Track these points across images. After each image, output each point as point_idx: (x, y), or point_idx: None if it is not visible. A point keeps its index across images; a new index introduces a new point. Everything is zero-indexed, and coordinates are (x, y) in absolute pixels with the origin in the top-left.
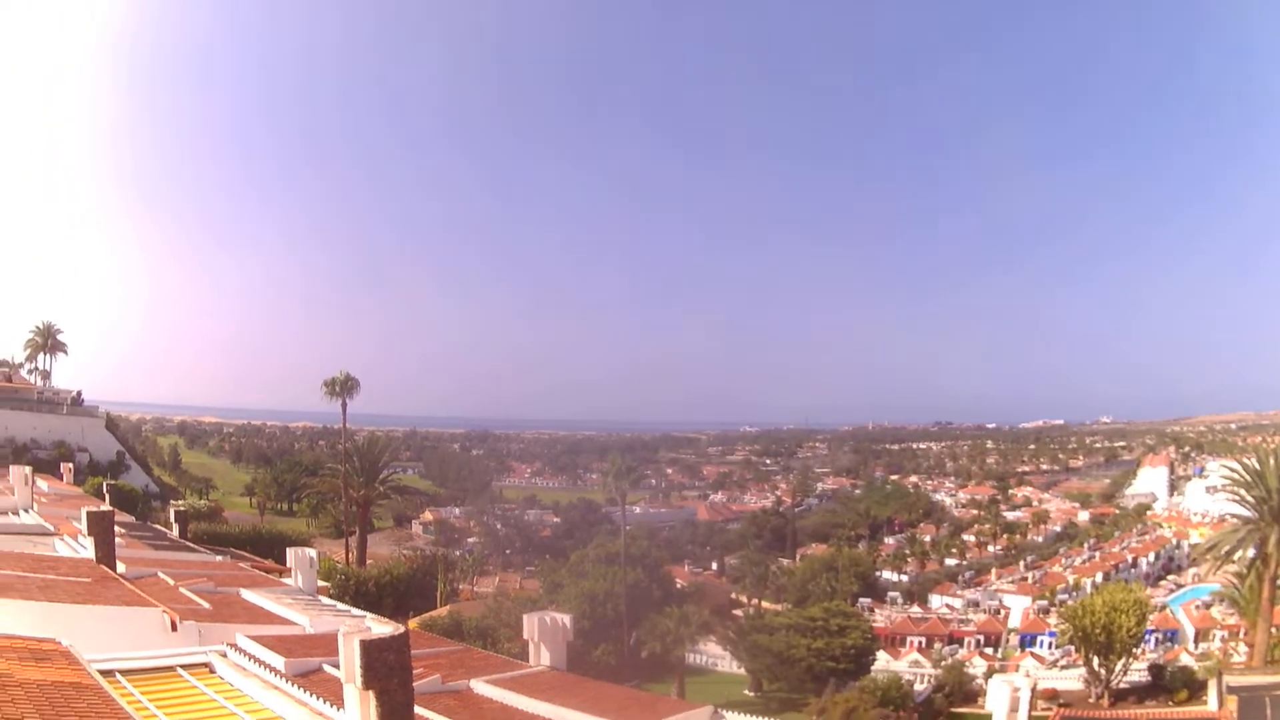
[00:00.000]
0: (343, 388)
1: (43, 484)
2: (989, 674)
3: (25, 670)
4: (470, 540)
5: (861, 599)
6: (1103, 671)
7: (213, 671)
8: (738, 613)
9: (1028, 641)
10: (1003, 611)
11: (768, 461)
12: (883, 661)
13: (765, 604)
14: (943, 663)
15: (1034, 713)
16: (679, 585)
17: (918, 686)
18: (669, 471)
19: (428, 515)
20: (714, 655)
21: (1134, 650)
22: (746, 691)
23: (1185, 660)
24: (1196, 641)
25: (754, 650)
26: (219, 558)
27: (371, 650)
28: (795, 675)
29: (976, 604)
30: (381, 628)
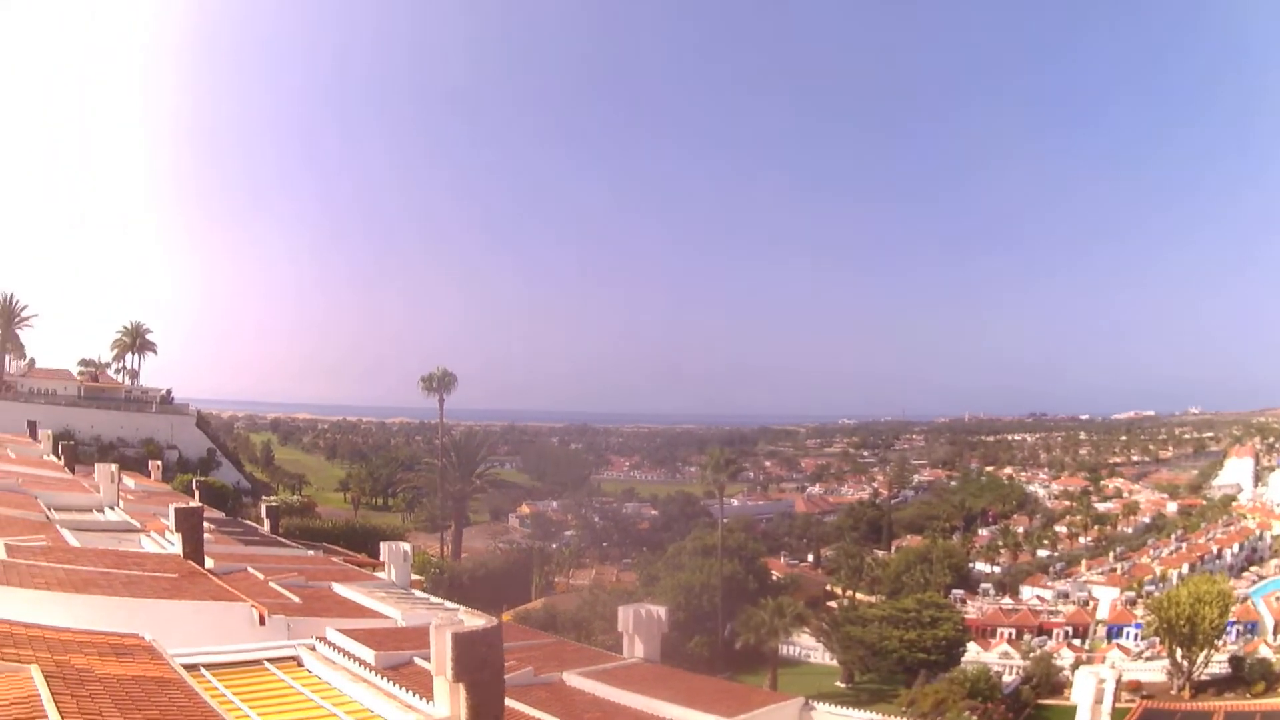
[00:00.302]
0: (440, 383)
1: (129, 481)
2: (1076, 666)
3: (105, 665)
4: (567, 533)
5: (954, 590)
6: (1185, 663)
7: (300, 665)
8: (832, 604)
9: (1114, 633)
10: (1091, 603)
11: (865, 454)
12: (973, 653)
13: (860, 596)
14: (1031, 654)
15: (1117, 705)
16: (775, 577)
17: (1006, 678)
18: (767, 464)
19: (525, 509)
20: (807, 647)
21: (1215, 642)
22: (838, 683)
23: (1264, 652)
24: (1276, 633)
25: (846, 642)
26: (311, 552)
27: (463, 643)
28: (887, 667)
29: (1066, 595)
30: (474, 620)
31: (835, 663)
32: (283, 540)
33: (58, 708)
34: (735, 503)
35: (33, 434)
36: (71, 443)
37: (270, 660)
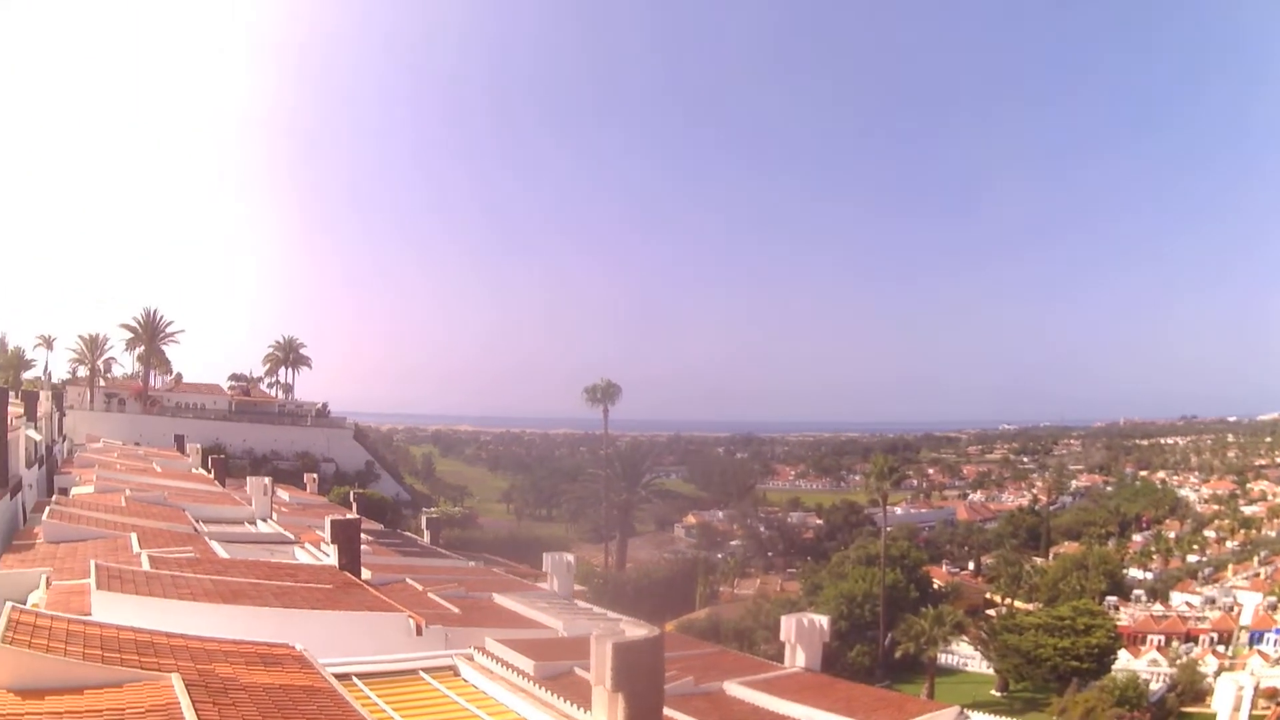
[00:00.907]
0: (604, 394)
1: (283, 494)
2: (1218, 673)
3: (252, 674)
4: (732, 543)
5: (1108, 597)
6: None
7: (457, 675)
8: (991, 613)
9: (1256, 639)
10: (1236, 608)
11: (1025, 460)
12: (1123, 660)
13: (1018, 603)
14: (1178, 661)
15: (1254, 711)
16: (936, 586)
17: (1153, 685)
18: (930, 471)
19: (690, 519)
20: (964, 655)
21: None
22: (993, 692)
23: None
24: None
25: (1003, 650)
26: (472, 563)
27: (623, 653)
28: (1041, 675)
29: (1213, 601)
30: (636, 630)
31: (992, 671)
32: (443, 551)
33: (197, 715)
34: (899, 511)
35: (180, 448)
36: (222, 456)
37: (426, 670)
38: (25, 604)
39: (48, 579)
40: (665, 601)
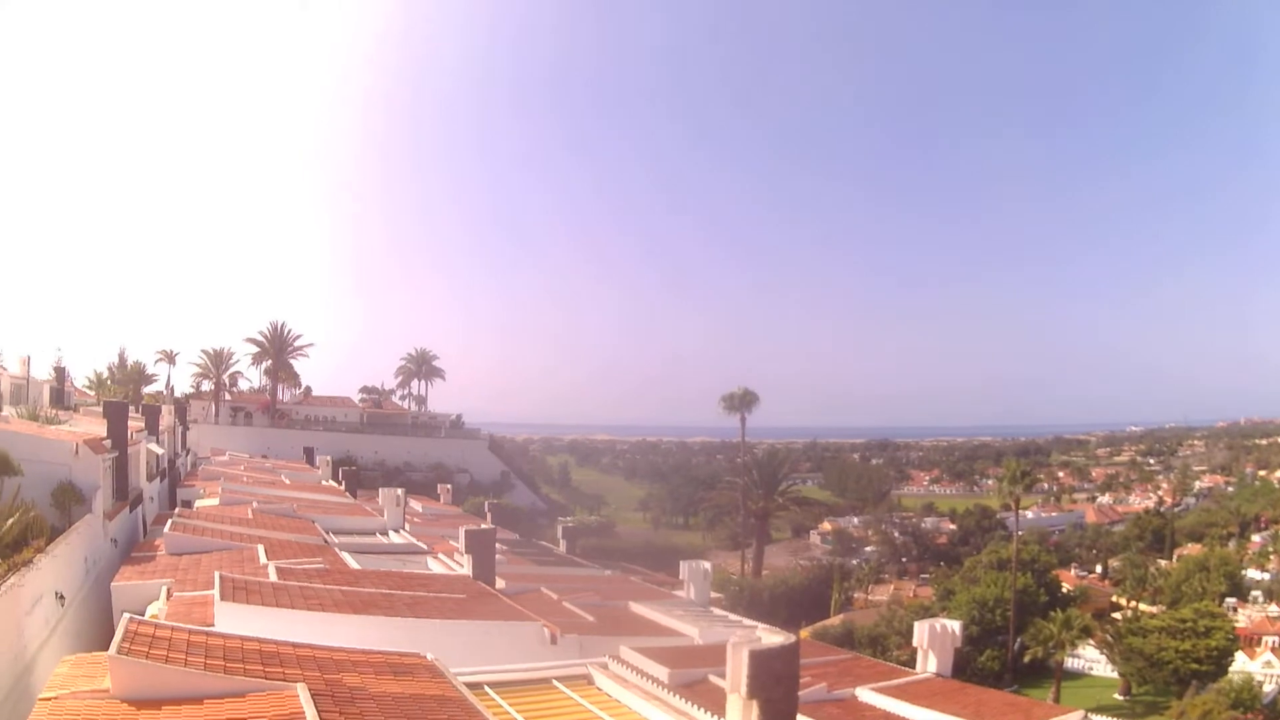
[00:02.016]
0: (741, 402)
1: (416, 505)
2: None
3: (381, 684)
4: (867, 549)
5: (1228, 599)
6: None
7: (591, 683)
8: (1116, 616)
9: None
10: None
11: (1151, 461)
12: (1240, 662)
13: (1142, 606)
14: None
15: None
16: (1065, 589)
17: (1266, 687)
18: (1060, 475)
19: (826, 525)
20: (1090, 660)
21: None
22: (1116, 695)
23: None
24: None
25: (1127, 653)
26: (608, 572)
27: (759, 660)
28: (1162, 678)
29: None
30: (772, 637)
31: (1116, 675)
32: (579, 560)
33: None
34: (1029, 515)
35: (310, 460)
36: (353, 468)
37: (560, 679)
38: (144, 615)
39: (168, 590)
40: (800, 608)
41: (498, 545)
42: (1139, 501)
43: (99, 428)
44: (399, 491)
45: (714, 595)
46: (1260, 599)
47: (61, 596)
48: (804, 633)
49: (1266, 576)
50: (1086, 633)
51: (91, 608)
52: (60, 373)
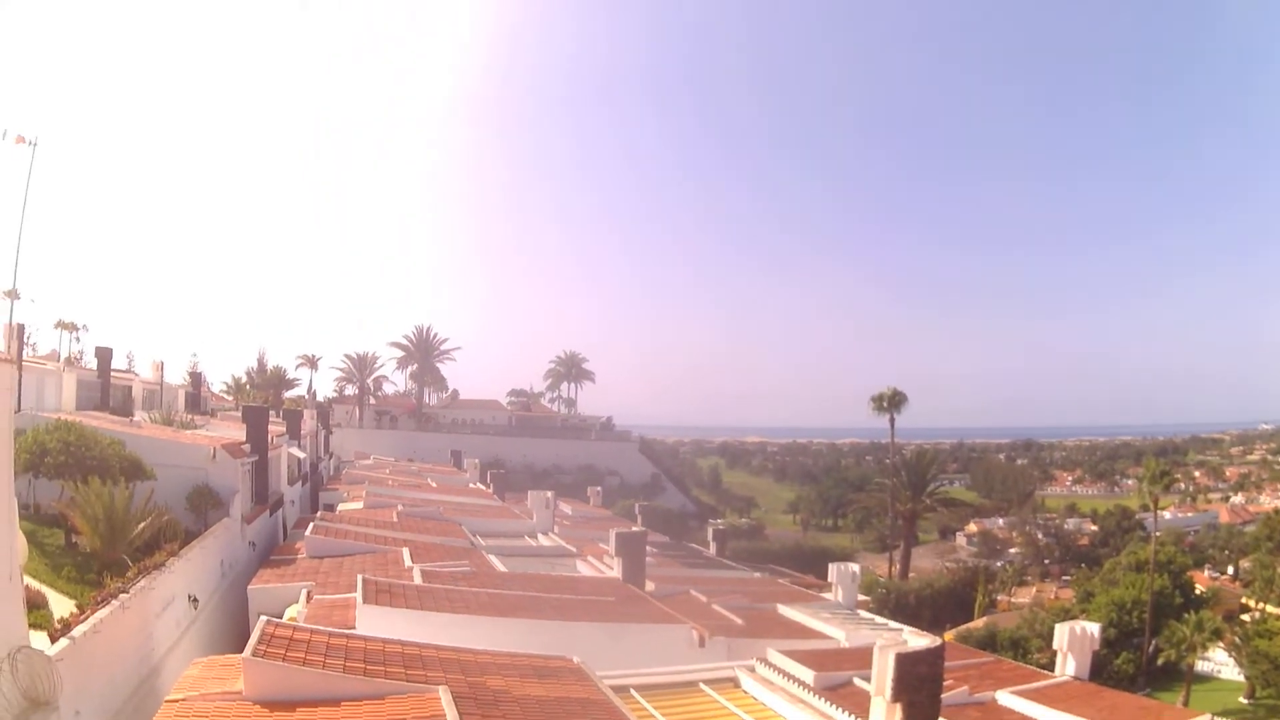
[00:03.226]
0: (890, 403)
1: (566, 508)
2: None
3: (525, 686)
4: (1011, 551)
5: None
6: None
7: (738, 686)
8: (1245, 618)
9: None
10: None
11: None
12: None
13: (1270, 608)
14: None
15: None
16: (1198, 591)
17: None
18: (1196, 474)
19: (972, 527)
20: (1219, 662)
21: None
22: (1241, 699)
23: None
24: None
25: (1254, 656)
26: (757, 574)
27: (905, 663)
28: None
29: None
30: (918, 640)
31: (1243, 678)
32: (728, 563)
33: None
34: (1167, 515)
35: (457, 463)
36: (501, 470)
37: (706, 681)
38: (282, 618)
39: (308, 593)
40: (945, 611)
41: (648, 548)
42: (1270, 501)
43: (238, 432)
44: (548, 494)
45: (861, 598)
46: None
47: (195, 599)
48: (948, 635)
49: None
50: (1217, 635)
51: (227, 611)
52: (196, 377)
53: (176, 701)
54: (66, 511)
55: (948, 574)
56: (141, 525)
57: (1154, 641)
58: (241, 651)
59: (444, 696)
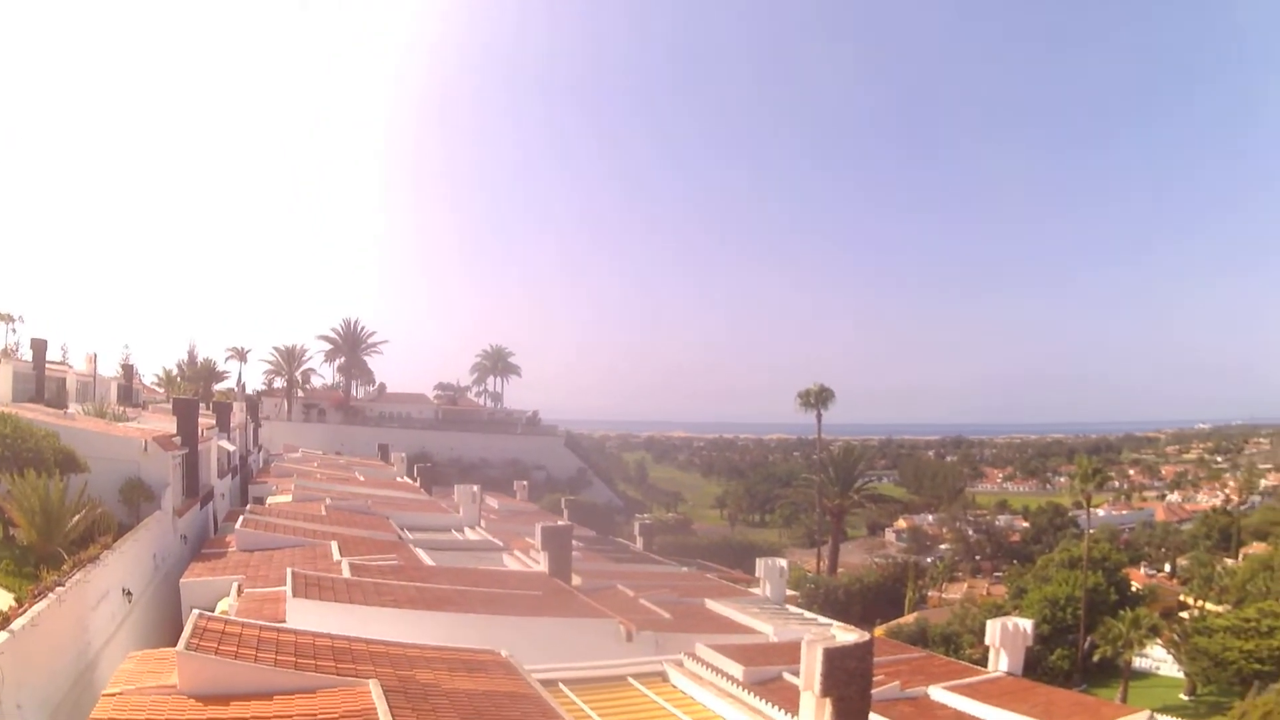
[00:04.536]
0: (817, 399)
1: (492, 502)
2: None
3: (455, 680)
4: (942, 547)
5: None
6: None
7: (666, 680)
8: (1184, 615)
9: None
10: None
11: (1219, 459)
12: None
13: (1209, 605)
14: None
15: None
16: (1134, 588)
17: None
18: (1131, 472)
19: (901, 523)
20: (1157, 659)
21: None
22: (1182, 695)
23: None
24: None
25: (1193, 653)
26: (684, 569)
27: (834, 658)
28: (1226, 678)
29: None
30: (846, 635)
31: (1183, 675)
32: (655, 557)
33: None
34: (1101, 513)
35: (384, 456)
36: (428, 464)
37: (635, 676)
38: (214, 611)
39: (239, 586)
40: (875, 606)
41: (574, 542)
42: (1207, 500)
43: (169, 425)
44: (475, 488)
45: (789, 593)
46: None
47: (129, 593)
48: (878, 631)
49: None
50: (1155, 632)
51: (160, 604)
52: (128, 370)
53: (114, 695)
54: (3, 504)
55: (877, 569)
56: (76, 518)
57: (1089, 638)
58: (175, 645)
59: (374, 690)
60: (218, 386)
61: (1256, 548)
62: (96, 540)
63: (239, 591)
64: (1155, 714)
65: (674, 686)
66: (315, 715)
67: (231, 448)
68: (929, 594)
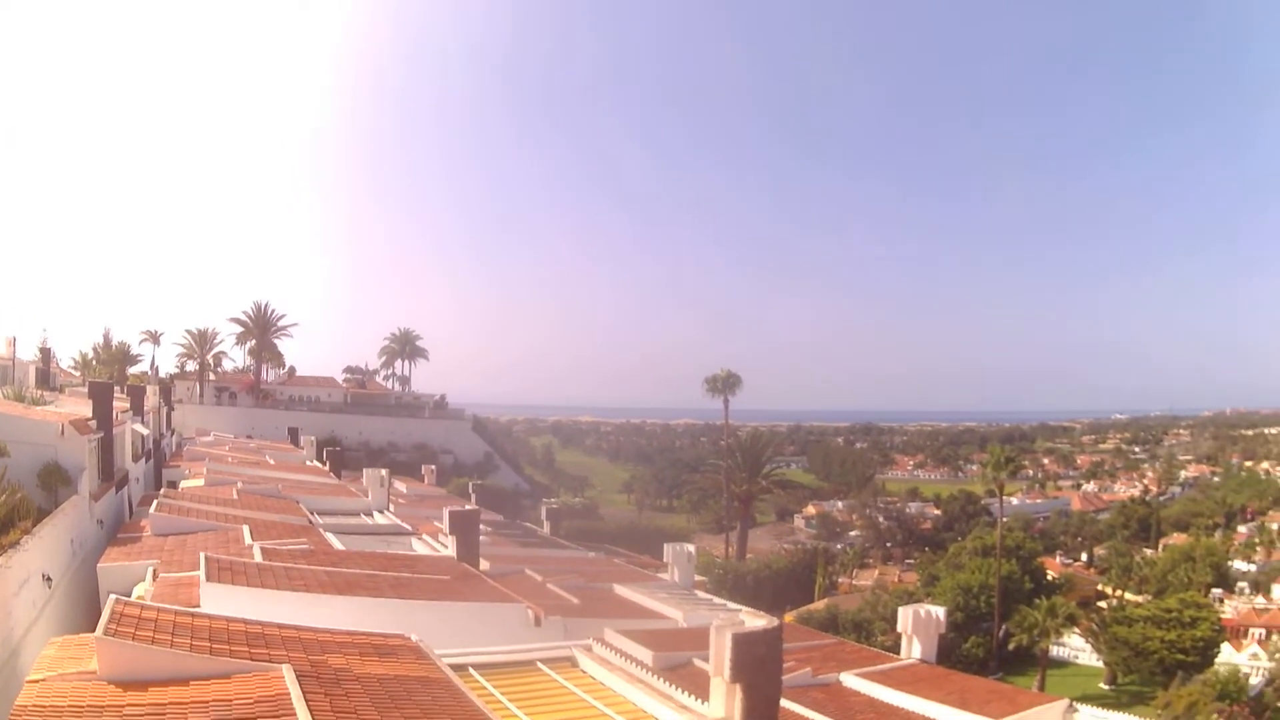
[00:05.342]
0: (725, 384)
1: (401, 486)
2: None
3: (366, 665)
4: (851, 533)
5: (1214, 589)
6: None
7: (575, 665)
8: (1102, 604)
9: None
10: None
11: (1136, 450)
12: (1226, 654)
13: (1128, 595)
14: (1277, 655)
15: None
16: (1050, 577)
17: (1253, 680)
18: (1045, 461)
19: (810, 509)
20: (1075, 648)
21: None
22: (1102, 685)
23: None
24: None
25: (1113, 643)
26: (592, 554)
27: (742, 643)
28: (1147, 668)
29: None
30: (755, 621)
31: (1102, 664)
32: (563, 542)
33: (308, 706)
34: (1014, 501)
35: (294, 440)
36: (337, 448)
37: (544, 660)
38: (130, 596)
39: (155, 571)
40: (784, 592)
41: (482, 527)
42: (1124, 490)
43: (85, 408)
44: (383, 472)
45: (698, 578)
46: (1246, 590)
47: (49, 578)
48: (788, 617)
49: (1253, 568)
50: (1071, 621)
51: (79, 589)
52: (45, 354)
53: (37, 682)
54: None
55: (786, 555)
56: None
57: (1004, 626)
58: (94, 630)
59: (288, 675)
60: (132, 370)
61: (1177, 539)
62: (16, 525)
63: (154, 576)
64: (1074, 703)
65: (583, 671)
66: (230, 701)
67: (146, 431)
68: (839, 581)
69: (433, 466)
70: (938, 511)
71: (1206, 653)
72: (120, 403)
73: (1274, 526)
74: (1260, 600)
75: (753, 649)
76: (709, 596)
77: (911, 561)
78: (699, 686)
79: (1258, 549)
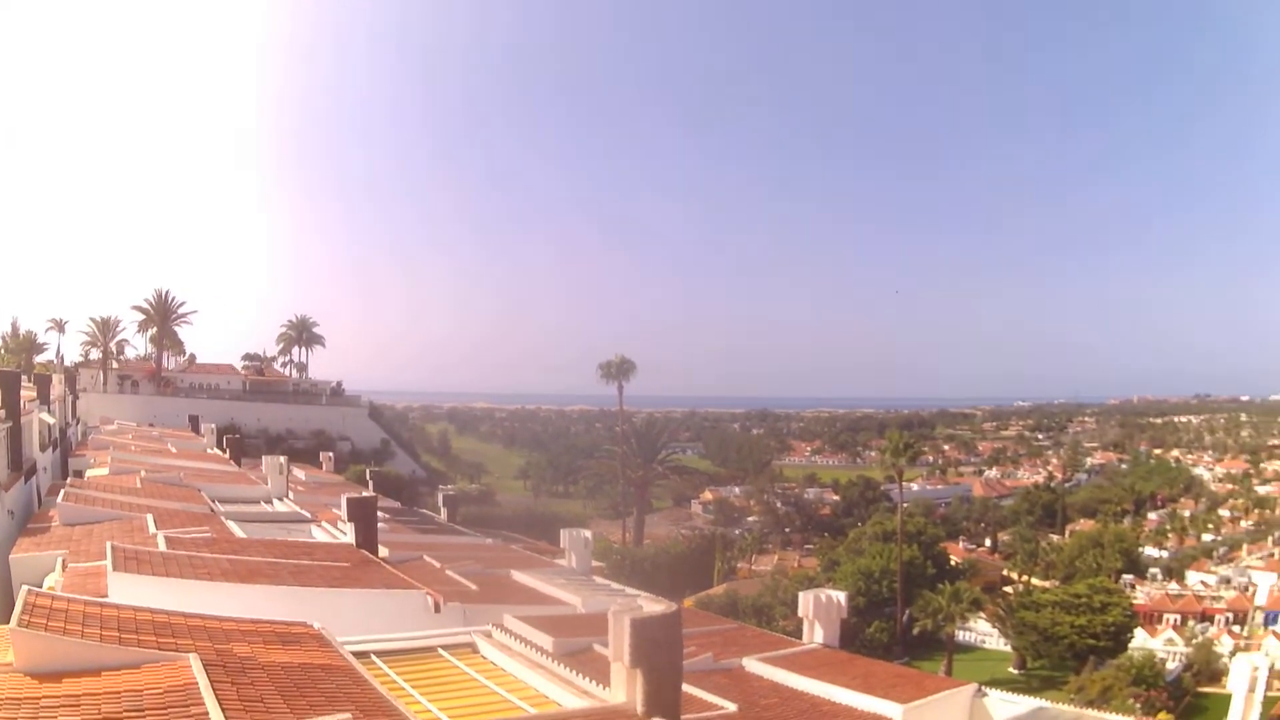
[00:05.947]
0: (619, 370)
1: (299, 473)
2: (1234, 653)
3: (270, 653)
4: (750, 519)
5: (1124, 575)
6: None
7: (476, 651)
8: (1008, 590)
9: (1271, 619)
10: (1251, 588)
11: (1040, 436)
12: (1140, 639)
13: (1035, 581)
14: (1193, 641)
15: (1269, 693)
16: (953, 562)
17: (1170, 665)
18: (945, 448)
19: (707, 495)
20: (982, 633)
21: None
22: (1011, 669)
23: None
24: None
25: (1020, 627)
26: (489, 540)
27: (641, 628)
28: (1057, 653)
29: (1228, 581)
30: (654, 607)
31: (1010, 649)
32: (460, 529)
33: (216, 695)
34: (915, 487)
35: (195, 428)
36: (237, 436)
37: (445, 647)
38: (41, 587)
39: (64, 561)
40: (683, 577)
41: (380, 514)
42: (1028, 476)
43: None
44: (281, 459)
45: (595, 564)
46: (1159, 576)
47: None
48: (688, 602)
49: (1165, 554)
50: (976, 606)
51: None
52: None
53: None
54: None
55: (684, 541)
56: None
57: (908, 611)
58: (7, 622)
59: (195, 664)
60: (38, 358)
61: (1084, 525)
62: None
63: (64, 566)
64: (983, 687)
65: (484, 657)
66: (141, 691)
67: (52, 420)
68: (738, 566)
69: (330, 454)
70: (836, 497)
71: (1119, 638)
72: (27, 392)
73: (1185, 514)
74: (1174, 586)
75: (652, 634)
76: (607, 582)
77: (811, 547)
78: (600, 672)
79: (1169, 535)
